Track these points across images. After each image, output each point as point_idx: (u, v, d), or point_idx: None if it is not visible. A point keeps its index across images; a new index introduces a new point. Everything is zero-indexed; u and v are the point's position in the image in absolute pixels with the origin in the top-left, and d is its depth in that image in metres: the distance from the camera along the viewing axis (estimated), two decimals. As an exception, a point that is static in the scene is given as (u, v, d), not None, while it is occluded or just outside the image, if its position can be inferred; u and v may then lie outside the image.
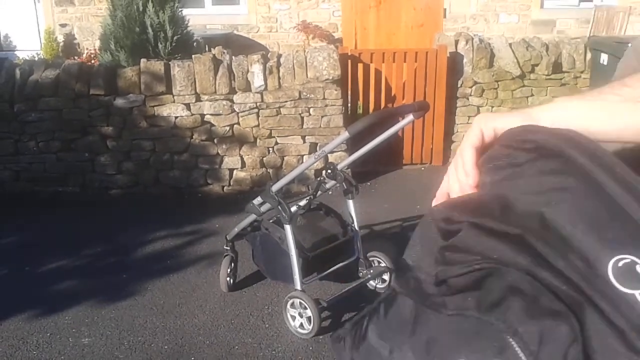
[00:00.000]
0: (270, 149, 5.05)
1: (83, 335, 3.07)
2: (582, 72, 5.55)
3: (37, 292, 3.51)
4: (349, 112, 5.40)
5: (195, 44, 5.61)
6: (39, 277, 3.70)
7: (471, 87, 5.47)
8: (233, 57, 4.98)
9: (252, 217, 3.24)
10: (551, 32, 9.78)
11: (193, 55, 4.87)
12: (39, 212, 4.71)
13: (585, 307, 0.52)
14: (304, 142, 5.02)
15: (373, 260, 3.41)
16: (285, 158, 5.06)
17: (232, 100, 4.89)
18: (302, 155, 5.04)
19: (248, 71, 4.86)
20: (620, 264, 0.52)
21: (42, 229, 4.40)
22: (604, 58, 5.17)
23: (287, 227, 2.95)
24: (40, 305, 3.34)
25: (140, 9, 5.01)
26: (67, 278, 3.67)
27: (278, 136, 5.02)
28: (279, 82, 4.92)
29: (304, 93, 4.90)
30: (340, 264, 3.24)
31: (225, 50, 5.09)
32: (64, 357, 2.90)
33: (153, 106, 4.83)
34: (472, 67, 5.44)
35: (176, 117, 4.86)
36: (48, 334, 3.08)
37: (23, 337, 3.05)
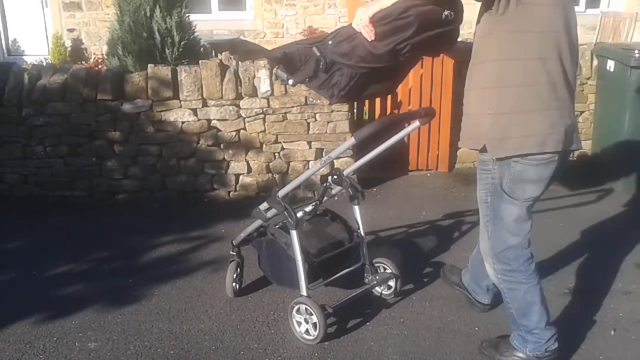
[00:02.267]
0: (276, 154, 5.06)
1: (89, 339, 3.08)
2: (588, 78, 5.54)
3: (44, 297, 3.52)
4: (355, 118, 5.41)
5: (202, 49, 5.64)
6: (46, 281, 3.72)
7: (477, 93, 5.46)
8: (240, 62, 4.99)
9: (258, 222, 3.25)
10: (557, 38, 9.76)
11: (200, 61, 4.89)
12: (46, 216, 4.73)
13: None
14: (310, 147, 5.03)
15: (379, 267, 3.41)
16: (291, 163, 5.07)
17: (238, 106, 4.91)
18: (308, 161, 5.05)
19: (255, 76, 4.88)
20: None
21: (49, 233, 4.41)
22: (611, 65, 5.17)
23: (293, 233, 2.96)
24: (46, 309, 3.35)
25: (148, 14, 5.04)
26: (73, 282, 3.68)
27: (284, 142, 5.03)
28: (285, 88, 4.93)
29: (310, 99, 4.91)
30: (346, 270, 3.25)
31: (231, 56, 5.11)
32: (70, 362, 2.91)
33: (160, 111, 4.85)
34: (479, 73, 5.43)
35: (183, 122, 4.88)
36: (55, 339, 3.09)
37: (30, 342, 3.06)
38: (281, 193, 2.99)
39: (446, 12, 2.49)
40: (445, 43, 2.65)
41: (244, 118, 4.93)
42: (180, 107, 4.86)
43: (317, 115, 4.95)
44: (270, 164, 5.06)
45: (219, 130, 4.93)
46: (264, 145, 5.03)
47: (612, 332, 3.11)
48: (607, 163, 5.27)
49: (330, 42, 2.52)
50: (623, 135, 5.02)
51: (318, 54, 2.52)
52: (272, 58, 2.87)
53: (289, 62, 2.65)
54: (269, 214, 3.13)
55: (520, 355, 2.73)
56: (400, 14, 2.39)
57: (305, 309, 3.00)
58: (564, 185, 5.25)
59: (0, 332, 3.14)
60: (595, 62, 5.49)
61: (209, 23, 9.28)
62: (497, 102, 2.42)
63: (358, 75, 2.53)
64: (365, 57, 2.46)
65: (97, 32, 9.61)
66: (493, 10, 2.39)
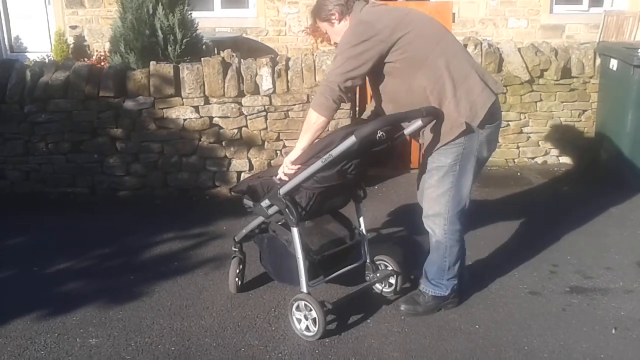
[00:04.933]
0: (278, 151, 5.06)
1: (90, 335, 3.09)
2: (591, 77, 5.53)
3: (45, 293, 3.53)
4: (357, 116, 5.40)
5: (204, 47, 5.63)
6: (47, 277, 3.72)
7: (480, 91, 5.46)
8: (242, 60, 5.00)
9: (260, 219, 3.25)
10: (560, 37, 9.76)
11: (202, 58, 4.89)
12: (48, 212, 4.74)
13: None
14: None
15: (380, 264, 3.41)
16: (293, 161, 5.06)
17: (240, 103, 4.91)
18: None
19: (257, 74, 4.88)
20: None
21: (50, 230, 4.42)
22: (614, 63, 5.16)
23: (295, 230, 2.96)
24: (48, 305, 3.36)
25: (150, 11, 5.03)
26: (74, 279, 3.68)
27: (286, 139, 5.03)
28: (288, 86, 4.93)
29: (312, 96, 4.91)
30: (347, 268, 3.25)
31: (234, 54, 5.12)
32: (71, 358, 2.91)
33: (162, 108, 4.85)
34: (481, 71, 5.43)
35: (185, 120, 4.88)
36: (56, 334, 3.10)
37: (31, 337, 3.07)
38: (283, 190, 2.99)
39: (380, 133, 2.84)
40: (385, 158, 3.10)
41: (246, 115, 4.93)
42: (182, 104, 4.86)
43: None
44: (272, 161, 5.06)
45: (220, 127, 4.94)
46: (266, 143, 5.03)
47: (614, 331, 3.10)
48: (609, 162, 5.26)
49: None
50: (626, 134, 5.02)
51: (279, 182, 2.99)
52: (238, 191, 3.30)
53: (253, 192, 3.17)
54: (271, 211, 3.13)
55: (437, 294, 3.22)
56: (342, 139, 2.77)
57: (305, 305, 3.00)
58: (565, 184, 5.25)
59: (1, 327, 3.15)
60: (598, 61, 5.48)
61: (211, 21, 9.29)
62: (441, 96, 2.88)
63: (315, 195, 2.96)
64: (318, 179, 2.90)
65: (99, 29, 9.61)
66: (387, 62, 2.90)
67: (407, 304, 3.26)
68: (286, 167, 2.95)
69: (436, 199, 3.05)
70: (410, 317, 3.21)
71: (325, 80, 2.91)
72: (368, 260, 3.32)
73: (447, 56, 2.90)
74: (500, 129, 5.53)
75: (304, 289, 3.00)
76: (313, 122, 2.90)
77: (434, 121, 2.91)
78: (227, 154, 5.01)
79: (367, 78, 3.05)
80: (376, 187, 5.17)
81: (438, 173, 3.01)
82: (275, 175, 3.04)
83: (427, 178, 3.07)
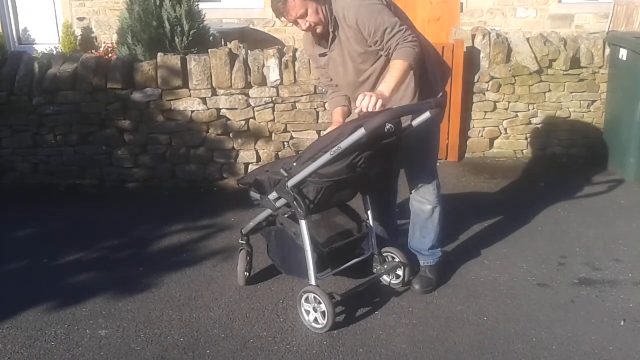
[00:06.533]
0: (285, 143, 5.06)
1: (100, 327, 3.11)
2: (600, 67, 5.49)
3: (55, 284, 3.55)
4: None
5: (211, 38, 5.63)
6: (57, 269, 3.75)
7: (488, 82, 5.44)
8: (249, 51, 4.99)
9: (268, 211, 3.25)
10: (569, 26, 9.68)
11: (209, 50, 4.89)
12: (57, 204, 4.76)
13: None
14: (319, 136, 5.02)
15: (387, 256, 3.41)
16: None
17: (247, 95, 4.91)
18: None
19: (264, 65, 4.87)
20: None
21: (59, 222, 4.44)
22: (623, 53, 5.12)
23: (302, 223, 2.96)
24: (58, 297, 3.38)
25: (157, 3, 5.03)
26: (84, 270, 3.71)
27: (293, 131, 5.02)
28: (295, 77, 4.92)
29: (320, 87, 4.90)
30: (355, 260, 3.24)
31: (241, 45, 5.11)
32: (81, 349, 2.94)
33: (169, 100, 4.86)
34: (489, 62, 5.40)
35: (192, 111, 4.89)
36: (66, 326, 3.12)
37: (41, 328, 3.09)
38: (290, 183, 2.99)
39: (388, 126, 2.82)
40: (393, 151, 3.07)
41: (253, 107, 4.93)
42: (190, 96, 4.86)
43: (327, 104, 4.94)
44: (280, 153, 5.06)
45: (228, 119, 4.94)
46: (273, 135, 5.03)
47: (622, 323, 3.09)
48: (618, 152, 5.23)
49: (294, 164, 2.95)
50: (635, 124, 4.98)
51: (285, 174, 2.95)
52: (245, 183, 3.32)
53: (260, 186, 3.15)
54: (278, 204, 3.13)
55: (436, 260, 3.48)
56: (351, 132, 2.74)
57: (314, 297, 3.00)
58: (574, 175, 5.22)
59: (12, 319, 3.17)
60: (607, 51, 5.44)
61: (218, 12, 9.27)
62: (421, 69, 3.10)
63: (323, 189, 2.93)
64: (327, 173, 2.85)
65: (107, 20, 9.62)
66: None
67: (421, 282, 3.38)
68: (373, 101, 2.76)
69: (423, 168, 3.31)
70: (429, 292, 3.35)
71: (397, 36, 2.90)
72: (375, 253, 3.32)
73: (416, 32, 3.08)
74: (509, 120, 5.63)
75: (313, 281, 3.00)
76: (403, 70, 2.90)
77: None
78: (235, 146, 5.01)
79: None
80: (384, 179, 5.15)
81: (420, 144, 3.19)
82: (281, 167, 2.99)
83: (411, 153, 3.22)
